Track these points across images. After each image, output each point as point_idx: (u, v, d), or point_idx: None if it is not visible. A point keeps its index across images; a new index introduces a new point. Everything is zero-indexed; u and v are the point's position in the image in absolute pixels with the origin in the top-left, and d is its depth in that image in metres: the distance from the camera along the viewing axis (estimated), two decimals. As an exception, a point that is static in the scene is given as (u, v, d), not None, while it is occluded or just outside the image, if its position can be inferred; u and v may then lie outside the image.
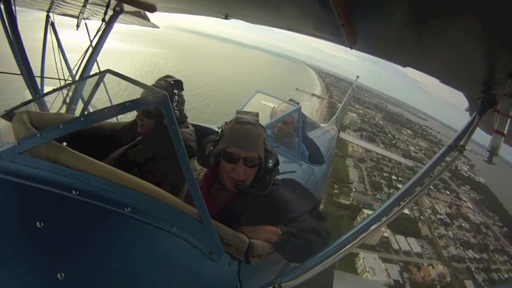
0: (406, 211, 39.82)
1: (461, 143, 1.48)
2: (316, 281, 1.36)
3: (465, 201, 60.54)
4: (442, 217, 51.75)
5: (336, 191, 45.90)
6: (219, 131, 1.43)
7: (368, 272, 32.80)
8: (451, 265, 41.53)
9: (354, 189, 48.52)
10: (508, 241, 51.24)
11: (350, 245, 1.39)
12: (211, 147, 1.38)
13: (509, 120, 1.23)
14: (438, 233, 47.54)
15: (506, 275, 43.10)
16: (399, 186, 52.06)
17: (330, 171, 5.25)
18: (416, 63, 1.80)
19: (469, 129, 1.49)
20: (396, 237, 40.53)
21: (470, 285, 38.65)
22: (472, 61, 1.32)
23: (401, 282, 34.86)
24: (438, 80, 1.78)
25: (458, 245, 46.52)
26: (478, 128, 1.48)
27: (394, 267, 36.54)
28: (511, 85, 1.16)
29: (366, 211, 41.26)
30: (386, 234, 39.06)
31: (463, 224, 52.14)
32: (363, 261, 34.05)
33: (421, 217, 49.54)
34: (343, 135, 9.08)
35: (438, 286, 36.79)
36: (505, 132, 1.24)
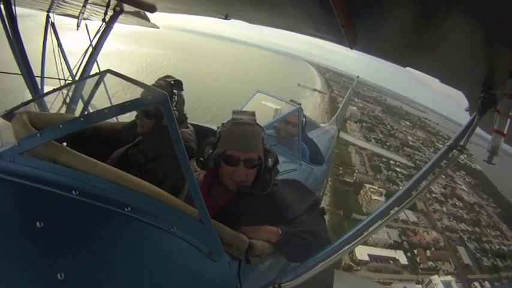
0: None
1: (462, 143, 1.48)
2: (316, 281, 1.36)
3: (460, 184, 62.35)
4: (436, 196, 53.87)
5: (340, 171, 51.83)
6: (217, 132, 1.41)
7: None
8: (445, 234, 45.70)
9: (356, 171, 53.72)
10: (500, 220, 53.56)
11: (350, 244, 1.39)
12: (210, 151, 1.37)
13: (509, 120, 1.24)
14: (433, 208, 50.70)
15: (497, 247, 46.15)
16: (397, 169, 56.12)
17: (330, 171, 5.26)
18: (416, 64, 1.80)
19: (469, 129, 1.49)
20: (395, 209, 46.77)
21: (462, 250, 43.17)
22: (472, 61, 1.32)
23: (400, 242, 40.74)
24: (438, 80, 1.79)
25: (451, 219, 49.91)
26: (478, 127, 1.49)
27: (394, 231, 41.89)
28: (511, 85, 1.16)
29: (367, 185, 47.69)
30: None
31: (456, 203, 54.94)
32: None
33: (416, 195, 53.87)
34: (343, 135, 9.08)
35: (433, 248, 41.67)
36: (505, 132, 1.24)
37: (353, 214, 41.62)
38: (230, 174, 1.34)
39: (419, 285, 34.81)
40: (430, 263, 39.28)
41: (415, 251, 40.25)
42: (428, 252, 40.57)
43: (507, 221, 53.18)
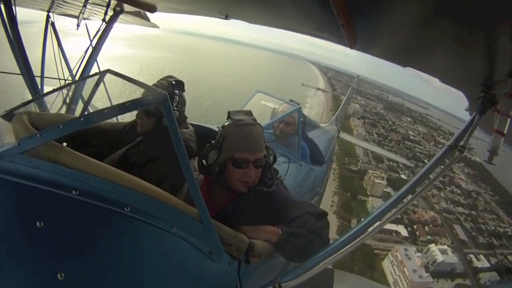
0: (403, 176, 55.18)
1: (462, 143, 1.48)
2: (316, 281, 1.36)
3: (458, 174, 64.73)
4: (435, 183, 56.80)
5: (346, 161, 58.80)
6: (218, 135, 1.39)
7: (375, 208, 40.93)
8: (442, 214, 49.82)
9: (360, 161, 59.90)
10: (498, 206, 56.78)
11: (350, 244, 1.39)
12: (216, 156, 1.35)
13: (509, 120, 1.24)
14: (431, 193, 53.87)
15: (493, 228, 49.65)
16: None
17: (331, 171, 5.26)
18: (416, 63, 1.80)
19: (469, 129, 1.49)
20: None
21: (459, 229, 47.55)
22: (472, 61, 1.32)
23: (401, 218, 44.77)
24: (438, 80, 1.79)
25: (449, 203, 53.59)
26: (478, 127, 1.48)
27: (395, 209, 47.99)
28: (511, 85, 1.16)
29: (370, 171, 54.13)
30: (387, 190, 51.03)
31: (454, 190, 58.50)
32: (372, 203, 46.27)
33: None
34: (343, 135, 9.07)
35: (431, 225, 46.23)
36: (505, 132, 1.24)
37: (359, 196, 48.57)
38: (240, 176, 1.34)
39: (419, 253, 38.69)
40: (429, 237, 43.97)
41: (415, 226, 45.28)
42: (426, 228, 45.20)
43: (504, 207, 55.90)
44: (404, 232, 43.43)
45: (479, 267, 40.07)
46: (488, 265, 40.56)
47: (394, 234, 42.72)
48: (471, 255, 41.91)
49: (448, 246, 41.68)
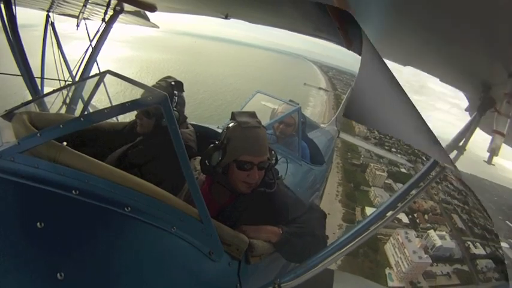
0: (403, 170, 57.74)
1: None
2: (316, 281, 1.36)
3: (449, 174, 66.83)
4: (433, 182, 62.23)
5: (349, 155, 61.75)
6: (223, 137, 1.38)
7: (377, 197, 47.53)
8: (441, 204, 52.38)
9: (362, 156, 62.47)
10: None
11: (350, 244, 1.39)
12: (220, 158, 1.34)
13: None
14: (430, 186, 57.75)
15: (482, 224, 51.52)
16: (398, 156, 63.87)
17: (330, 171, 5.25)
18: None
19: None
20: (397, 185, 52.87)
21: (457, 218, 49.74)
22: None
23: None
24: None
25: (447, 195, 55.63)
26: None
27: (394, 209, 53.17)
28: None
29: (372, 165, 56.30)
30: (388, 181, 53.74)
31: (449, 186, 60.63)
32: (374, 192, 49.02)
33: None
34: (343, 135, 9.04)
35: (430, 214, 48.42)
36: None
37: (361, 186, 51.89)
38: (244, 178, 1.34)
39: (418, 239, 40.94)
40: (428, 224, 46.29)
41: (415, 214, 47.62)
42: (426, 216, 47.78)
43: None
44: (405, 219, 45.91)
45: (477, 254, 42.08)
46: (485, 252, 42.71)
47: (396, 222, 44.80)
48: (469, 243, 43.85)
49: (446, 232, 44.05)
